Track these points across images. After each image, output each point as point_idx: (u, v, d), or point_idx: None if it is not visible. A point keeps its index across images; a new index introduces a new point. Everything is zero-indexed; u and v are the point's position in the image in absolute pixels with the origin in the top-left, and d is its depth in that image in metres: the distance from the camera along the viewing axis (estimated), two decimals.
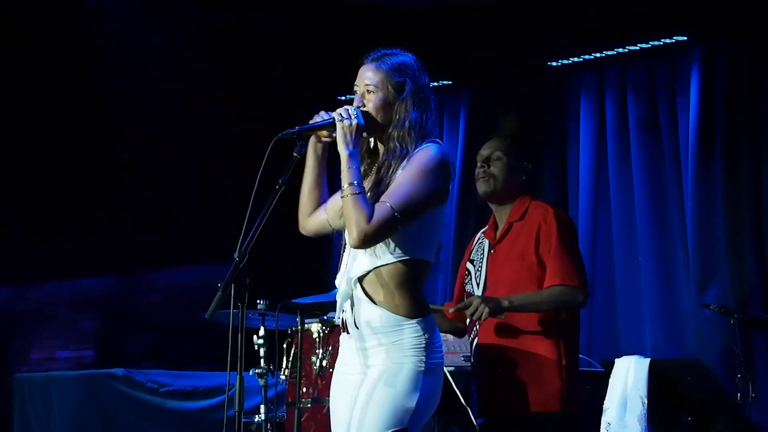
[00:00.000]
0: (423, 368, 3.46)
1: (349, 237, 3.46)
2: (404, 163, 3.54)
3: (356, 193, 3.44)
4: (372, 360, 3.52)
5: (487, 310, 4.60)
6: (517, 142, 5.00)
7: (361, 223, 3.40)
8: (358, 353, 3.56)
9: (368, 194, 3.51)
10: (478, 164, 4.97)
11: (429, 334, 3.50)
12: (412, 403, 3.43)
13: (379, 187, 3.54)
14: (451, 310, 4.84)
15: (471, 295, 4.90)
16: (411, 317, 3.48)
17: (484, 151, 5.00)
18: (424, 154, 3.53)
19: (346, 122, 3.52)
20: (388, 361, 3.47)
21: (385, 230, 3.42)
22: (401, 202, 3.43)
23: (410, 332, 3.47)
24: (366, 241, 3.43)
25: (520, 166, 4.97)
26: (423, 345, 3.47)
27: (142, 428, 7.32)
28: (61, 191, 8.80)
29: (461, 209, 7.91)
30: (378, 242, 3.47)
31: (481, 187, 4.97)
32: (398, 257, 3.50)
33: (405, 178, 3.49)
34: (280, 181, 3.43)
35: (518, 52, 7.69)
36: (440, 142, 3.63)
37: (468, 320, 4.93)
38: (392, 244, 3.49)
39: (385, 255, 3.50)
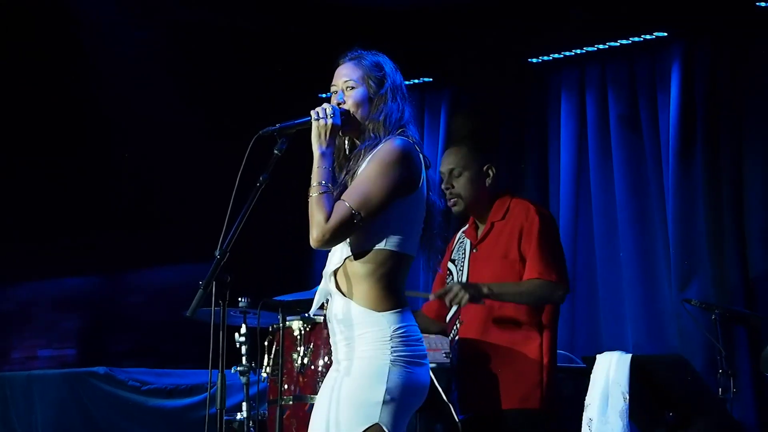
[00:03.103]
0: (388, 360, 3.43)
1: (310, 237, 3.45)
2: (371, 153, 3.54)
3: (321, 193, 3.45)
4: (341, 354, 3.55)
5: (467, 296, 4.60)
6: (474, 146, 4.96)
7: (321, 223, 3.42)
8: (334, 347, 3.60)
9: (338, 190, 3.52)
10: (443, 184, 4.95)
11: (398, 326, 3.46)
12: (379, 396, 3.40)
13: (353, 180, 3.55)
14: (431, 296, 4.84)
15: None
16: (378, 310, 3.47)
17: (444, 168, 4.97)
18: (384, 147, 3.54)
19: (322, 122, 3.52)
20: (353, 355, 3.48)
21: (344, 229, 3.43)
22: (359, 200, 3.44)
23: (375, 324, 3.46)
24: (325, 241, 3.44)
25: (482, 173, 4.94)
26: (388, 337, 3.44)
27: (124, 426, 7.30)
28: (42, 191, 8.76)
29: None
30: (339, 242, 3.48)
31: (453, 209, 4.97)
32: (365, 248, 3.49)
33: (364, 174, 3.50)
34: (261, 178, 3.44)
35: (498, 49, 7.68)
36: (410, 136, 3.62)
37: (448, 318, 4.93)
38: (360, 236, 3.49)
39: (352, 247, 3.50)
